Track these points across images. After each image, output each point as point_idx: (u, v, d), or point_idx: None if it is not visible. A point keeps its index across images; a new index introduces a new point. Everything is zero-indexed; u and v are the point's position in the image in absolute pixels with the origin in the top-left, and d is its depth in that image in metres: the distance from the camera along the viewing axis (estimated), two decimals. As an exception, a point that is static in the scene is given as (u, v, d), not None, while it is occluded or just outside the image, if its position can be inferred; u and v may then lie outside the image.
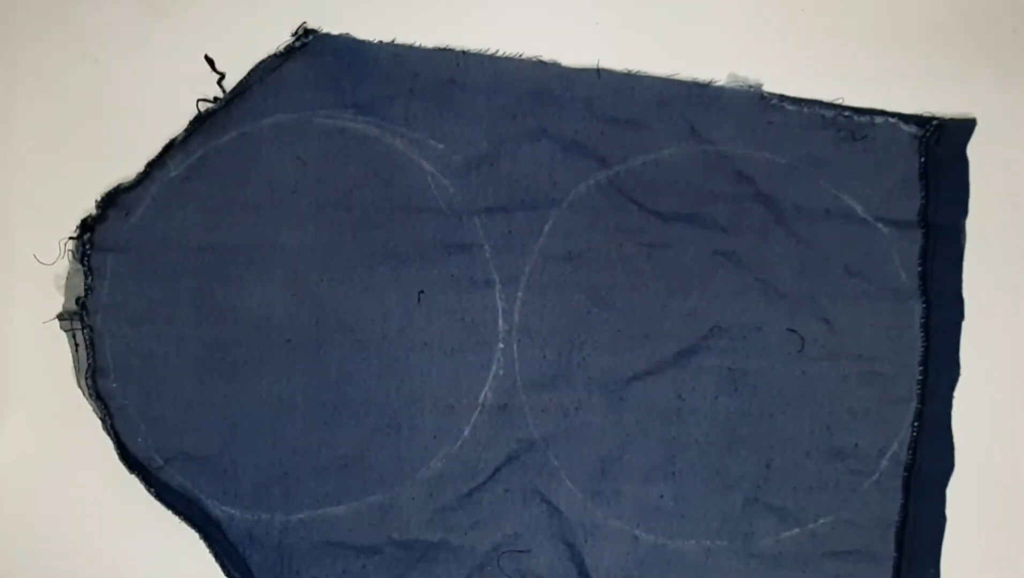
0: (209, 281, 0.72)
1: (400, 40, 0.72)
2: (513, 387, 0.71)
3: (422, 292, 0.71)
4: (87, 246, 0.71)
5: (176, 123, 0.72)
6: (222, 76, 0.72)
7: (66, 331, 0.71)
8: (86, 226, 0.71)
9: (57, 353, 0.72)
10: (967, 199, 0.71)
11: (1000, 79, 0.73)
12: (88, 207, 0.72)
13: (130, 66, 0.74)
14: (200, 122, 0.72)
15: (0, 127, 0.74)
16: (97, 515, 0.74)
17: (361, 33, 0.72)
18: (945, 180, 0.71)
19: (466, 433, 0.71)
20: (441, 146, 0.72)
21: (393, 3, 0.73)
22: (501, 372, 0.71)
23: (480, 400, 0.71)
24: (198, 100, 0.71)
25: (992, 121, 0.72)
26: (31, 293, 0.73)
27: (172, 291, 0.72)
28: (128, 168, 0.72)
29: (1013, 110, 0.73)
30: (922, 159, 0.71)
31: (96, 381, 0.71)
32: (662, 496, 0.71)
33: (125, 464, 0.71)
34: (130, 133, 0.73)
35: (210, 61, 0.72)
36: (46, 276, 0.73)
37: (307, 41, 0.72)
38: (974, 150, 0.71)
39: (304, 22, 0.72)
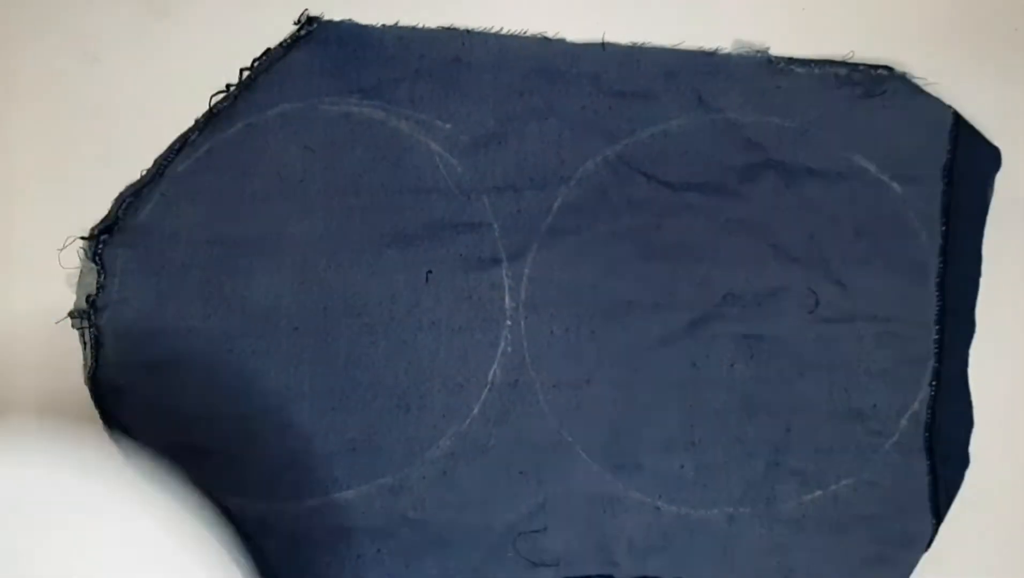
0: (217, 274, 0.71)
1: (404, 23, 0.72)
2: (522, 364, 0.71)
3: (430, 272, 0.71)
4: (101, 245, 0.71)
5: (177, 122, 0.72)
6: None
7: (77, 329, 0.71)
8: (104, 227, 0.71)
9: (58, 353, 0.71)
10: (999, 153, 0.72)
11: (1000, 79, 0.73)
12: (88, 206, 0.71)
13: (130, 66, 0.74)
14: (210, 116, 0.72)
15: (0, 127, 0.74)
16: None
17: (364, 18, 0.72)
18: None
19: (475, 411, 0.71)
20: (448, 126, 0.72)
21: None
22: (509, 349, 0.71)
23: (489, 378, 0.71)
24: (212, 95, 0.72)
25: (992, 121, 0.73)
26: (31, 293, 0.72)
27: (180, 285, 0.71)
28: (128, 168, 0.72)
29: (1013, 110, 0.73)
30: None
31: (99, 380, 0.71)
32: (683, 466, 0.71)
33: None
34: (130, 133, 0.72)
35: None
36: (47, 275, 0.72)
37: (311, 29, 0.72)
38: (997, 117, 0.72)
39: (306, 9, 0.72)
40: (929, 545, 0.72)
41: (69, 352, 0.71)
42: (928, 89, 0.72)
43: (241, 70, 0.71)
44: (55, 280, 0.72)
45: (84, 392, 0.71)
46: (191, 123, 0.72)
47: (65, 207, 0.72)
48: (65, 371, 0.71)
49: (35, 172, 0.73)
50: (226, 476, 0.71)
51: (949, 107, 0.72)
